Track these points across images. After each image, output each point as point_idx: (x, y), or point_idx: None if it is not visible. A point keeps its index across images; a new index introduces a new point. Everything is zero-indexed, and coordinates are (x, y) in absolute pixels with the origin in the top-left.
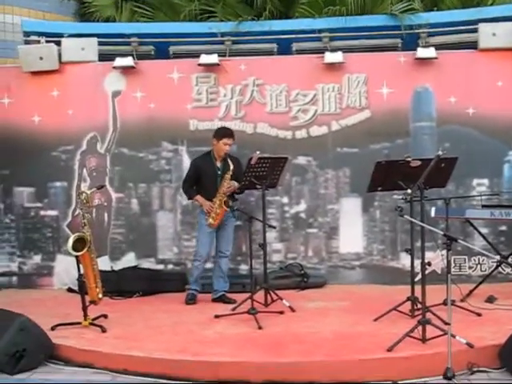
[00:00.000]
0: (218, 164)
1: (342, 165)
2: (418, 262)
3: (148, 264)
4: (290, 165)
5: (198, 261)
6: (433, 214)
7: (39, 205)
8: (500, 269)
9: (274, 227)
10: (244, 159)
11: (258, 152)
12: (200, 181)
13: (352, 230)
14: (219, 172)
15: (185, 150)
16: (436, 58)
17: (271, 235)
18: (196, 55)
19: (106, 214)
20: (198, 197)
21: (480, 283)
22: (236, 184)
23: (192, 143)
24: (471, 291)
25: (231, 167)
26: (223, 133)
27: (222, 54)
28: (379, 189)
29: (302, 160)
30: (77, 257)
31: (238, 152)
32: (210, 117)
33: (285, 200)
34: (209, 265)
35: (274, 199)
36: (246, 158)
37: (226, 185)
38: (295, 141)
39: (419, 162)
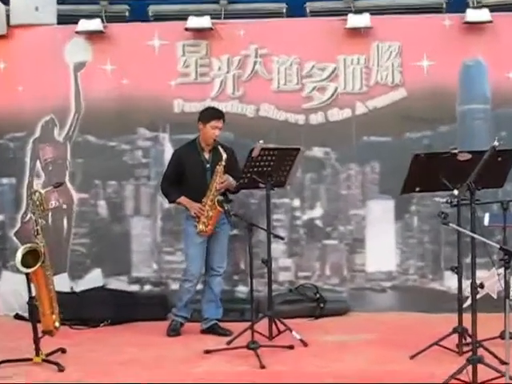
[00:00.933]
0: (206, 155)
1: (370, 158)
2: (467, 284)
3: (119, 284)
4: (302, 158)
5: (190, 281)
6: (486, 221)
7: None
8: None
9: (282, 238)
10: (243, 151)
11: (260, 141)
12: (184, 177)
13: (382, 242)
14: (208, 165)
15: (167, 137)
16: (490, 22)
17: (278, 248)
18: (183, 17)
19: (65, 220)
20: (182, 198)
21: None
22: (231, 179)
23: (176, 129)
24: None
25: (224, 156)
26: (210, 114)
27: (215, 16)
28: (417, 189)
29: (317, 152)
30: (27, 274)
31: (236, 142)
32: (200, 96)
33: (296, 203)
34: (197, 285)
35: (281, 202)
36: (246, 150)
37: (218, 180)
38: (309, 127)
39: (469, 156)
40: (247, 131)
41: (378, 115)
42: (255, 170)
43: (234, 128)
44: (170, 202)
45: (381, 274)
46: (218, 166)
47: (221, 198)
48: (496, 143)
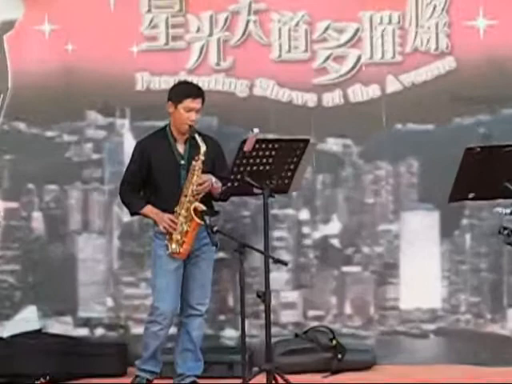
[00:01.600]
0: (181, 147)
1: (405, 153)
2: None
3: (61, 327)
4: (312, 153)
5: (158, 323)
6: None
7: None
8: None
9: (286, 263)
10: (232, 143)
11: (255, 130)
12: (151, 179)
13: (422, 269)
14: (182, 161)
15: (127, 125)
16: None
17: (279, 277)
18: None
19: None
20: (148, 208)
21: None
22: (214, 180)
23: (140, 114)
24: None
25: (202, 148)
26: (184, 91)
27: None
28: (470, 196)
29: (333, 145)
30: None
31: (222, 130)
32: (172, 68)
33: (304, 215)
34: (171, 329)
35: (284, 213)
36: (236, 142)
37: (195, 180)
38: (322, 111)
39: None
40: (237, 116)
41: (417, 94)
42: (248, 169)
43: (218, 111)
44: (132, 213)
45: (421, 314)
46: (194, 162)
47: (200, 206)
48: None
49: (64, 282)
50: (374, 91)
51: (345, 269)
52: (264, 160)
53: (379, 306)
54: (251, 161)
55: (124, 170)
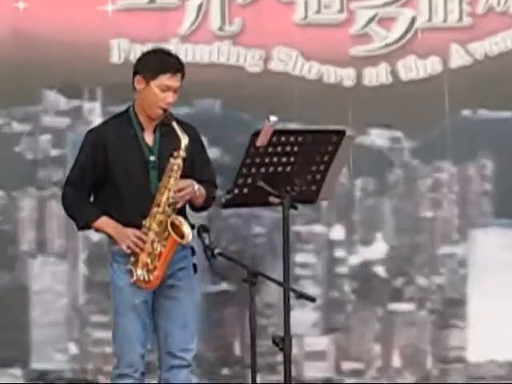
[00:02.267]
0: (149, 137)
1: (476, 150)
2: None
3: (10, 381)
4: (349, 149)
5: (129, 377)
6: None
7: None
8: None
9: (313, 299)
10: (240, 136)
11: (272, 118)
12: (107, 181)
13: (497, 307)
14: (152, 156)
15: (98, 110)
16: None
17: (305, 317)
18: None
19: None
20: (104, 220)
21: None
22: (196, 187)
23: (116, 95)
24: None
25: (183, 141)
26: (161, 63)
27: None
28: None
29: (378, 138)
30: None
31: (225, 117)
32: (160, 33)
33: (337, 233)
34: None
35: (310, 231)
36: (244, 133)
37: (173, 185)
38: (363, 92)
39: None
40: (247, 99)
41: (492, 70)
42: (262, 170)
43: (222, 92)
44: (81, 226)
45: (495, 367)
46: (172, 159)
47: (184, 222)
48: None
49: (12, 321)
50: (433, 66)
51: (392, 306)
52: (284, 158)
53: (439, 356)
54: (266, 159)
55: (70, 168)
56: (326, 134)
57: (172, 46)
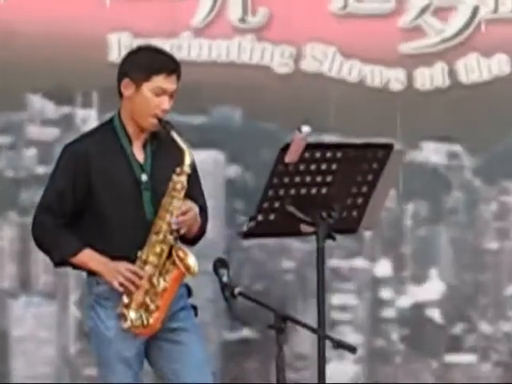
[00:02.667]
0: (138, 153)
1: None
2: None
3: None
4: (399, 167)
5: None
6: None
7: None
8: None
9: (353, 349)
10: (265, 150)
11: (304, 129)
12: (90, 206)
13: None
14: (144, 175)
15: (94, 118)
16: None
17: (344, 370)
18: None
19: None
20: (87, 254)
21: None
22: (197, 210)
23: (115, 100)
24: None
25: (188, 157)
26: (154, 62)
27: None
28: None
29: (433, 153)
30: None
31: (247, 128)
32: (169, 26)
33: (383, 269)
34: None
35: (352, 266)
36: (273, 148)
37: (176, 206)
38: (415, 97)
39: None
40: (274, 105)
41: None
42: (292, 192)
43: (243, 98)
44: (57, 262)
45: None
46: (174, 176)
47: (189, 254)
48: None
49: None
50: (499, 65)
51: (450, 358)
52: (318, 178)
53: None
54: (297, 179)
55: (44, 191)
56: (369, 149)
57: (183, 41)
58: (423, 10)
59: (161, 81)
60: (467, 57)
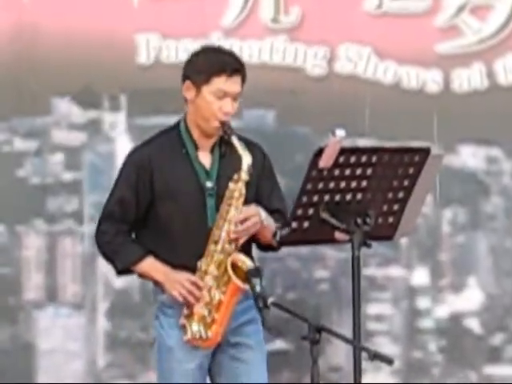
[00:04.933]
0: (205, 159)
1: None
2: None
3: None
4: (436, 172)
5: None
6: None
7: None
8: None
9: (390, 361)
10: (298, 154)
11: (339, 132)
12: (153, 214)
13: None
14: (209, 182)
15: (123, 122)
16: None
17: (382, 381)
18: None
19: None
20: (150, 263)
21: None
22: (264, 215)
23: (144, 104)
24: None
25: (246, 162)
26: (214, 63)
27: None
28: None
29: (471, 157)
30: None
31: (279, 131)
32: (199, 26)
33: (420, 278)
34: None
35: (388, 275)
36: (307, 152)
37: (233, 215)
38: (452, 99)
39: None
40: (307, 108)
41: None
42: (326, 198)
43: (276, 101)
44: (121, 270)
45: None
46: (231, 184)
47: (243, 259)
48: None
49: None
50: None
51: (490, 370)
52: (353, 184)
53: None
54: (331, 185)
55: (107, 197)
56: (406, 153)
57: (213, 42)
58: (460, 9)
59: (221, 83)
60: (506, 57)
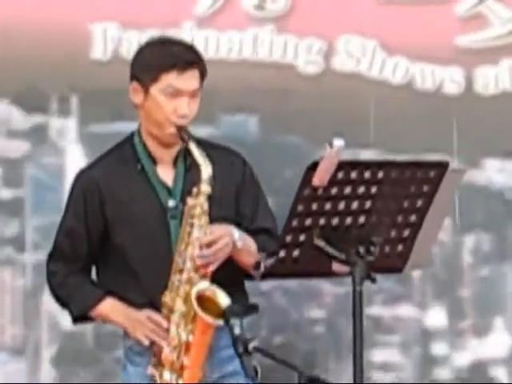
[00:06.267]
0: (165, 173)
1: None
2: None
3: None
4: (455, 191)
5: None
6: None
7: None
8: None
9: None
10: (288, 169)
11: (337, 142)
12: (109, 243)
13: None
14: (171, 201)
15: (74, 130)
16: None
17: None
18: None
19: None
20: (109, 304)
21: None
22: (237, 234)
23: (100, 107)
24: None
25: (205, 172)
26: (161, 56)
27: None
28: None
29: (497, 173)
30: None
31: (265, 140)
32: (168, 15)
33: (435, 318)
34: None
35: (396, 315)
36: (298, 166)
37: (197, 236)
38: (475, 103)
39: None
40: (298, 113)
41: None
42: (322, 222)
43: (261, 104)
44: (77, 317)
45: None
46: (190, 199)
47: (210, 289)
48: None
49: None
50: None
51: None
52: (355, 204)
53: None
54: (328, 206)
55: (58, 228)
56: (419, 168)
57: (184, 34)
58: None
59: (172, 78)
60: None
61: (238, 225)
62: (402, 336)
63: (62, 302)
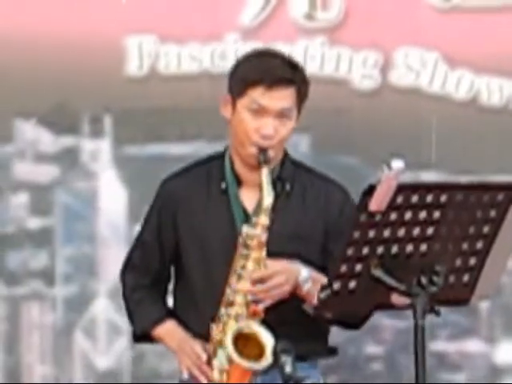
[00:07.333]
0: (249, 197)
1: None
2: None
3: None
4: None
5: None
6: None
7: None
8: None
9: None
10: (350, 192)
11: (396, 164)
12: (182, 264)
13: None
14: (245, 228)
15: (107, 152)
16: None
17: None
18: None
19: None
20: (167, 328)
21: None
22: (304, 275)
23: (137, 127)
24: None
25: (266, 202)
26: (247, 69)
27: None
28: None
29: None
30: None
31: (316, 160)
32: (208, 25)
33: (505, 354)
34: None
35: (462, 349)
36: (354, 189)
37: (250, 270)
38: None
39: None
40: (353, 133)
41: None
42: (379, 251)
43: (312, 123)
44: (137, 337)
45: None
46: (245, 228)
47: (259, 330)
48: None
49: None
50: None
51: None
52: (416, 231)
53: None
54: (386, 233)
55: (135, 239)
56: (486, 191)
57: (228, 47)
58: None
59: (258, 95)
60: None
61: (323, 267)
62: (469, 373)
63: (129, 317)
